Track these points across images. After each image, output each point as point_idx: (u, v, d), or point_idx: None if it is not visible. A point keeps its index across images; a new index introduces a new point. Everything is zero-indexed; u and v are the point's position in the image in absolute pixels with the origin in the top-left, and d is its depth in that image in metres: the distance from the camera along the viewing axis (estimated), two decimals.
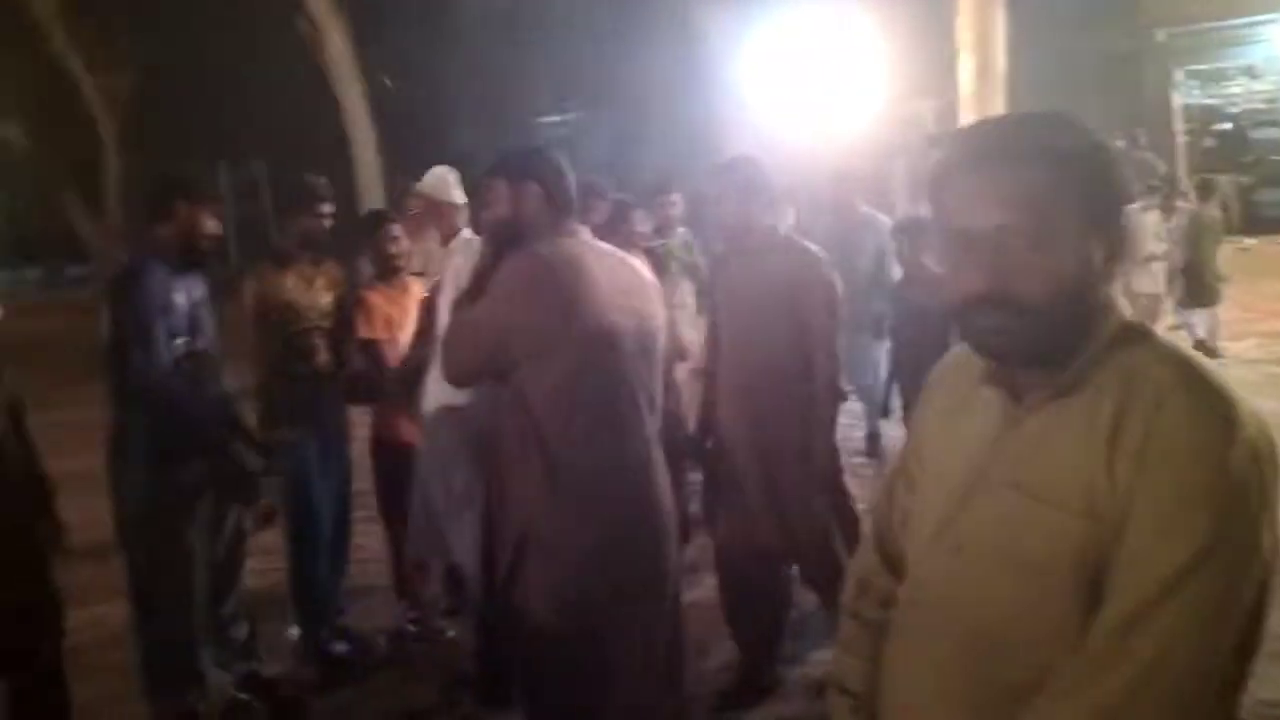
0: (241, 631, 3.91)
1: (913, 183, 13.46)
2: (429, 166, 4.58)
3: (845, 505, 3.91)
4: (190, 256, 3.56)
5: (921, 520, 1.35)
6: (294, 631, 4.23)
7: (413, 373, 4.14)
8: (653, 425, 2.60)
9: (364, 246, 4.36)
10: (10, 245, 25.88)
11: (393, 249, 4.24)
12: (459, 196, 4.10)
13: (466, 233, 3.95)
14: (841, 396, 3.61)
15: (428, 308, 3.89)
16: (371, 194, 17.28)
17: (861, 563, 1.55)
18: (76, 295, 22.59)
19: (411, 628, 4.38)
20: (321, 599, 4.24)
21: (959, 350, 1.44)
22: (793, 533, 3.52)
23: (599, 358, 2.48)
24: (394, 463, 4.16)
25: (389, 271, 4.26)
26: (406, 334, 4.17)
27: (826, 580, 3.53)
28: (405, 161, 22.80)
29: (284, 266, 4.09)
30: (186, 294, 3.56)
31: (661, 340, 2.69)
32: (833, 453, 3.62)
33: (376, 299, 4.20)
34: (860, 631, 1.48)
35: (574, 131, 31.79)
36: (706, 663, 3.79)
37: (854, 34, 12.31)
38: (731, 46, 13.72)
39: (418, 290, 4.32)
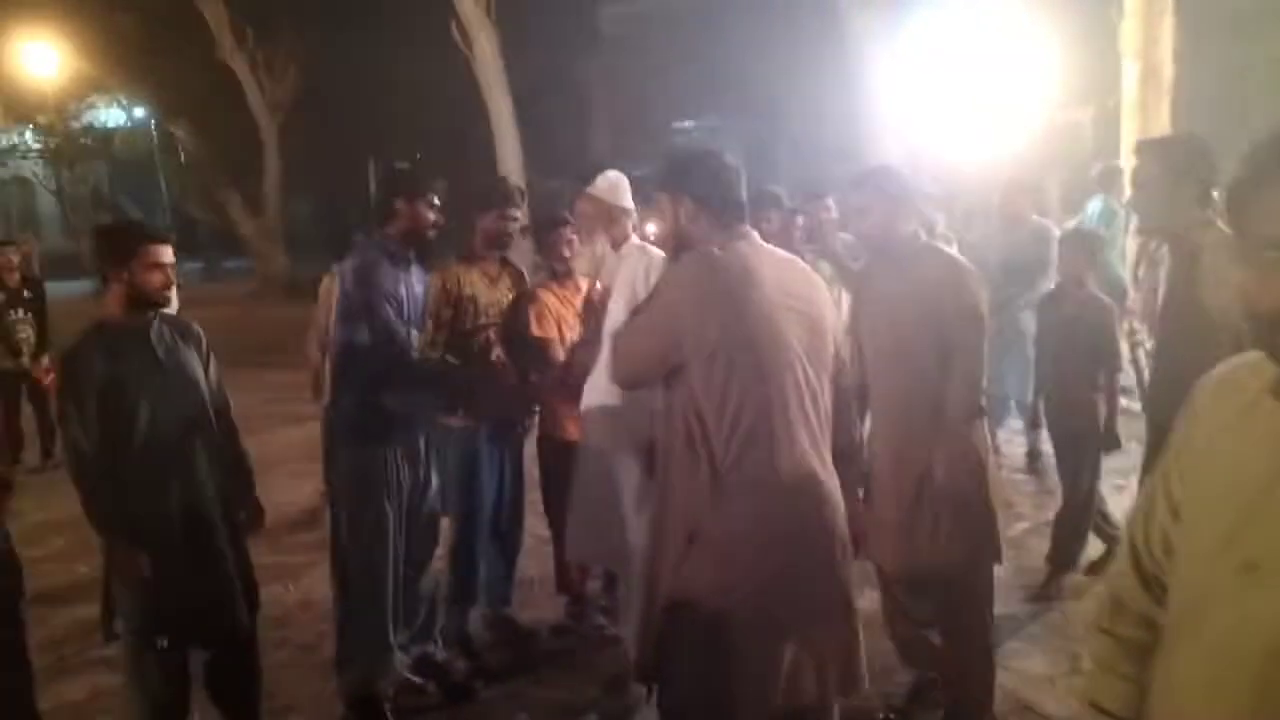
0: (423, 613, 4.03)
1: (1069, 193, 12.99)
2: (567, 171, 4.60)
3: (983, 527, 3.44)
4: (416, 249, 3.80)
5: (1194, 540, 1.30)
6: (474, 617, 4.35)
7: (579, 373, 4.21)
8: (821, 428, 2.59)
9: (540, 247, 4.44)
10: (176, 238, 27.31)
11: (567, 251, 4.31)
12: (629, 201, 3.95)
13: (636, 239, 3.90)
14: (978, 412, 3.36)
15: (591, 311, 3.93)
16: None
17: (1117, 582, 1.50)
18: (234, 288, 23.81)
19: (571, 622, 4.45)
20: (474, 586, 4.33)
21: (1224, 367, 1.38)
22: (929, 553, 3.34)
23: (766, 359, 2.48)
24: (558, 459, 4.22)
25: (563, 273, 4.34)
26: (575, 334, 4.24)
27: (959, 610, 3.42)
28: (545, 166, 23.31)
29: (470, 263, 4.21)
30: (408, 288, 3.78)
31: (831, 345, 2.68)
32: (972, 470, 3.31)
33: (550, 299, 4.27)
34: (1118, 651, 1.44)
35: (711, 137, 31.84)
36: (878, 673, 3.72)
37: (1013, 38, 11.97)
38: (882, 50, 13.46)
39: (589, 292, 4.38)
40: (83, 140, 24.26)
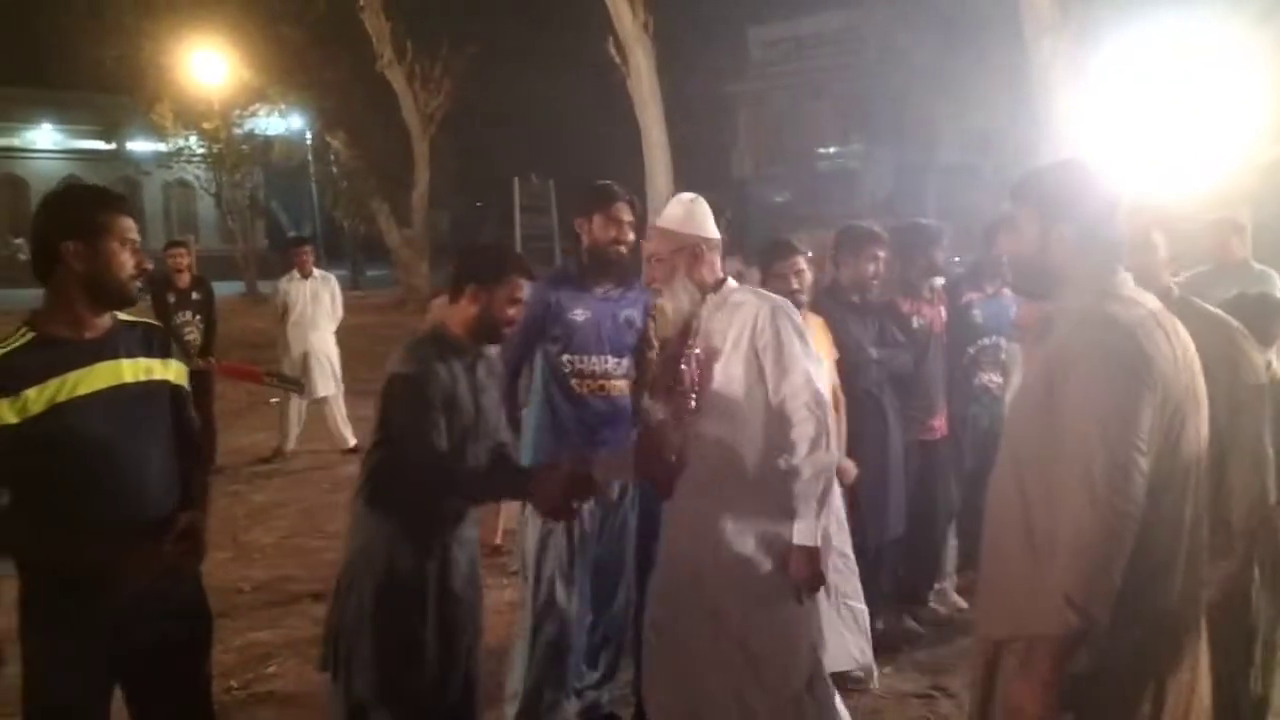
0: (604, 662, 3.77)
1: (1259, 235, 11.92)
2: (711, 193, 4.16)
3: None
4: (603, 264, 3.58)
5: None
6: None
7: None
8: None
9: (766, 277, 3.97)
10: (326, 245, 27.94)
11: (796, 282, 3.84)
12: (713, 229, 3.08)
13: (733, 280, 3.10)
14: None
15: (683, 386, 3.00)
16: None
17: None
18: (377, 296, 24.20)
19: None
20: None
21: None
22: None
23: (1173, 456, 2.05)
24: None
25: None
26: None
27: None
28: (685, 187, 23.03)
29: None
30: (604, 313, 3.62)
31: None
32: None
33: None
34: None
35: (857, 164, 31.09)
36: None
37: (1217, 68, 11.02)
38: (1069, 79, 12.63)
39: (817, 328, 3.89)
40: (243, 147, 25.03)
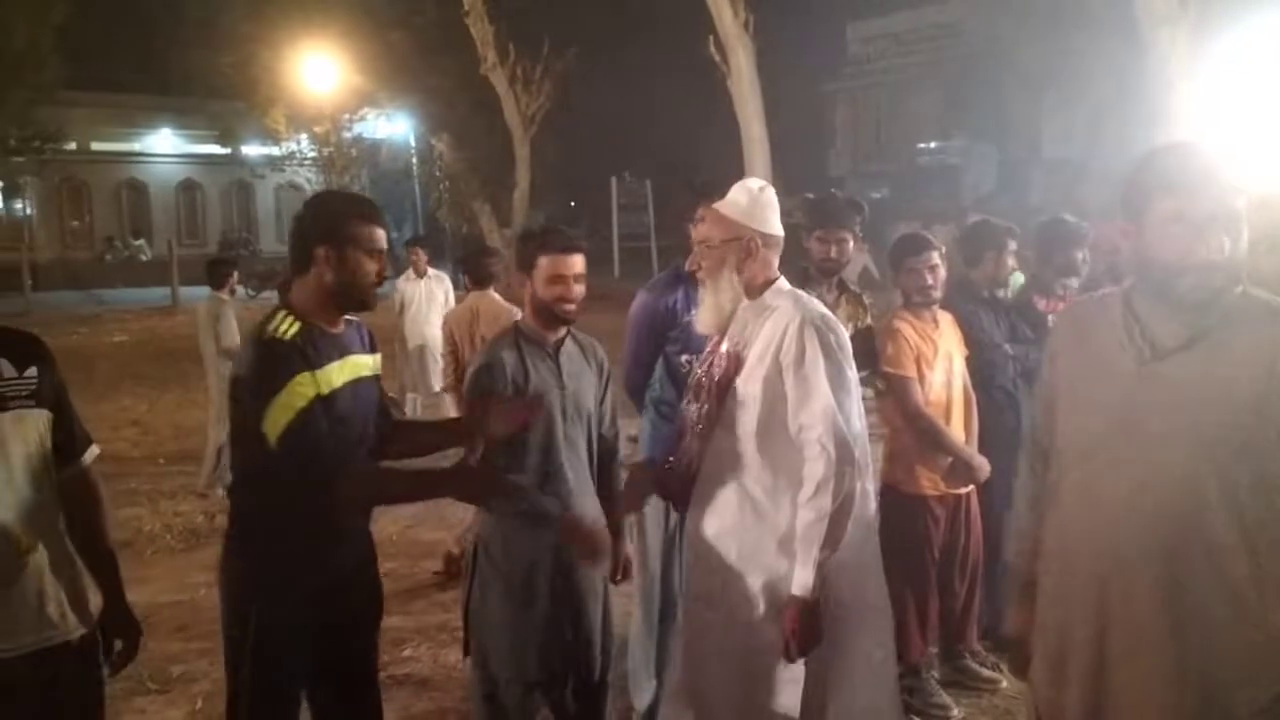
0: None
1: None
2: (809, 190, 4.14)
3: None
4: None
5: None
6: None
7: (928, 417, 3.76)
8: None
9: (897, 272, 4.00)
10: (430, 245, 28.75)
11: (930, 278, 3.85)
12: (777, 225, 2.76)
13: (785, 282, 2.78)
14: None
15: (711, 388, 2.75)
16: None
17: None
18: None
19: (905, 698, 3.96)
20: None
21: None
22: None
23: None
24: (898, 512, 3.78)
25: (923, 301, 3.88)
26: (936, 371, 3.79)
27: None
28: (782, 184, 22.96)
29: (808, 288, 3.84)
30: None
31: None
32: None
33: (907, 330, 3.83)
34: None
35: (958, 159, 30.57)
36: None
37: None
38: (1188, 73, 12.26)
39: (948, 324, 3.91)
40: (351, 151, 25.79)
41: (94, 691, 2.34)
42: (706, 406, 2.68)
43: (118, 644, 2.42)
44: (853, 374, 2.60)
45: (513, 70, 21.23)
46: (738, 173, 17.38)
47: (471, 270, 5.83)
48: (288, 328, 2.43)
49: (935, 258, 3.85)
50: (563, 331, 3.07)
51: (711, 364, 2.71)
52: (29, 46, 23.78)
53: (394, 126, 27.45)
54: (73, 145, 30.12)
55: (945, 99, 31.95)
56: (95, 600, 2.34)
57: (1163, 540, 1.89)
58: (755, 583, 2.56)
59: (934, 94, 32.21)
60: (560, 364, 3.04)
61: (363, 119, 25.53)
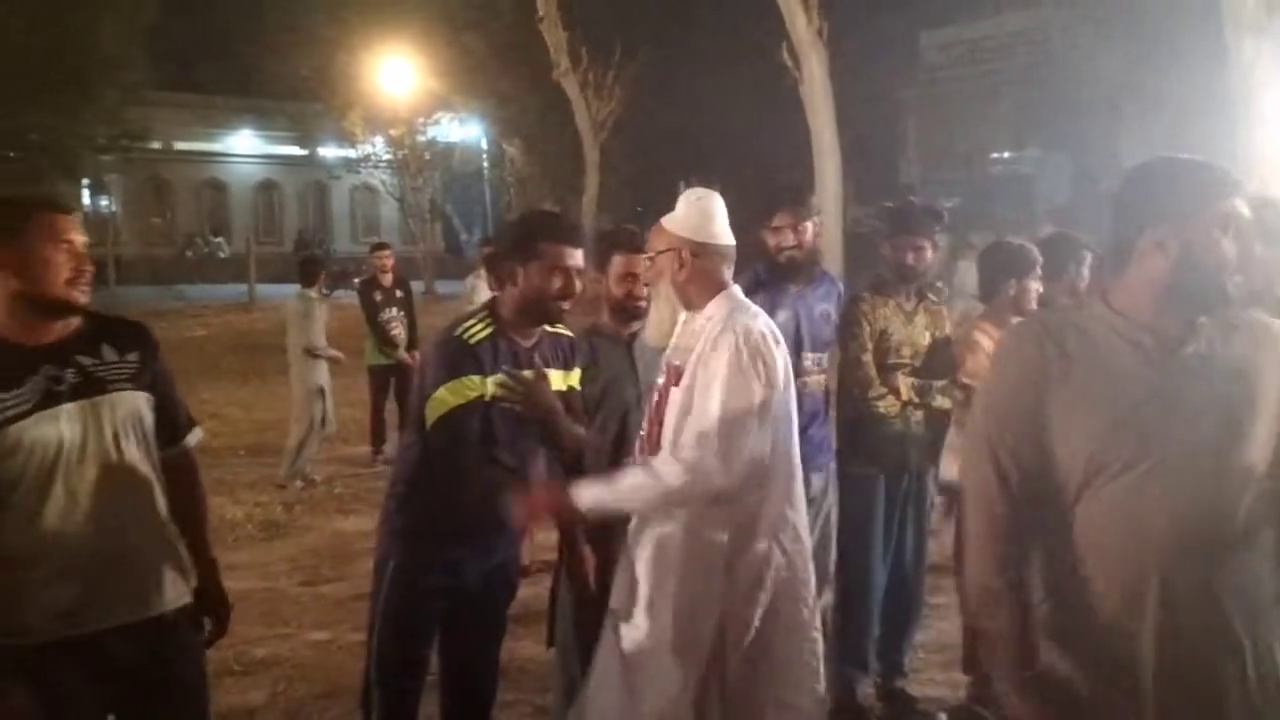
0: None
1: None
2: (879, 199, 4.08)
3: None
4: (783, 270, 3.68)
5: None
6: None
7: None
8: None
9: (984, 286, 3.97)
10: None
11: (1032, 291, 3.82)
12: (724, 235, 2.65)
13: (732, 295, 2.63)
14: None
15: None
16: (831, 222, 17.24)
17: None
18: None
19: (976, 707, 3.95)
20: (865, 650, 3.95)
21: None
22: None
23: None
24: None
25: (1018, 311, 3.84)
26: None
27: None
28: (853, 192, 22.86)
29: (881, 293, 3.87)
30: (798, 310, 3.69)
31: None
32: None
33: (986, 342, 3.80)
34: None
35: (1032, 169, 30.08)
36: None
37: None
38: (1269, 79, 11.96)
39: None
40: (425, 154, 26.25)
41: (197, 662, 2.45)
42: (650, 424, 2.61)
43: (208, 621, 2.52)
44: (767, 390, 2.43)
45: (584, 76, 21.44)
46: (808, 180, 17.35)
47: (496, 269, 5.87)
48: (476, 333, 2.64)
49: (1038, 270, 3.82)
50: (636, 327, 3.13)
51: (662, 378, 2.63)
52: (119, 48, 24.58)
53: (467, 130, 27.87)
54: (157, 144, 31.03)
55: (1020, 107, 31.47)
56: (192, 577, 2.45)
57: (1219, 525, 1.86)
58: (646, 596, 2.48)
59: (1008, 102, 31.75)
60: (634, 358, 3.11)
61: (437, 123, 25.97)
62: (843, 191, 18.00)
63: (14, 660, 2.12)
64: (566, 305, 2.68)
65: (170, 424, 2.43)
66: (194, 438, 2.54)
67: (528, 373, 2.70)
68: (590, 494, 2.48)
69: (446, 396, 2.55)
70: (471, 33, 23.03)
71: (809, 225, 3.68)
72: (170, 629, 2.33)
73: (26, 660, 2.12)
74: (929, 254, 3.92)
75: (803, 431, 3.64)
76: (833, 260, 17.10)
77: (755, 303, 3.54)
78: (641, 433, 2.69)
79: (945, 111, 33.51)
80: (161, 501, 2.35)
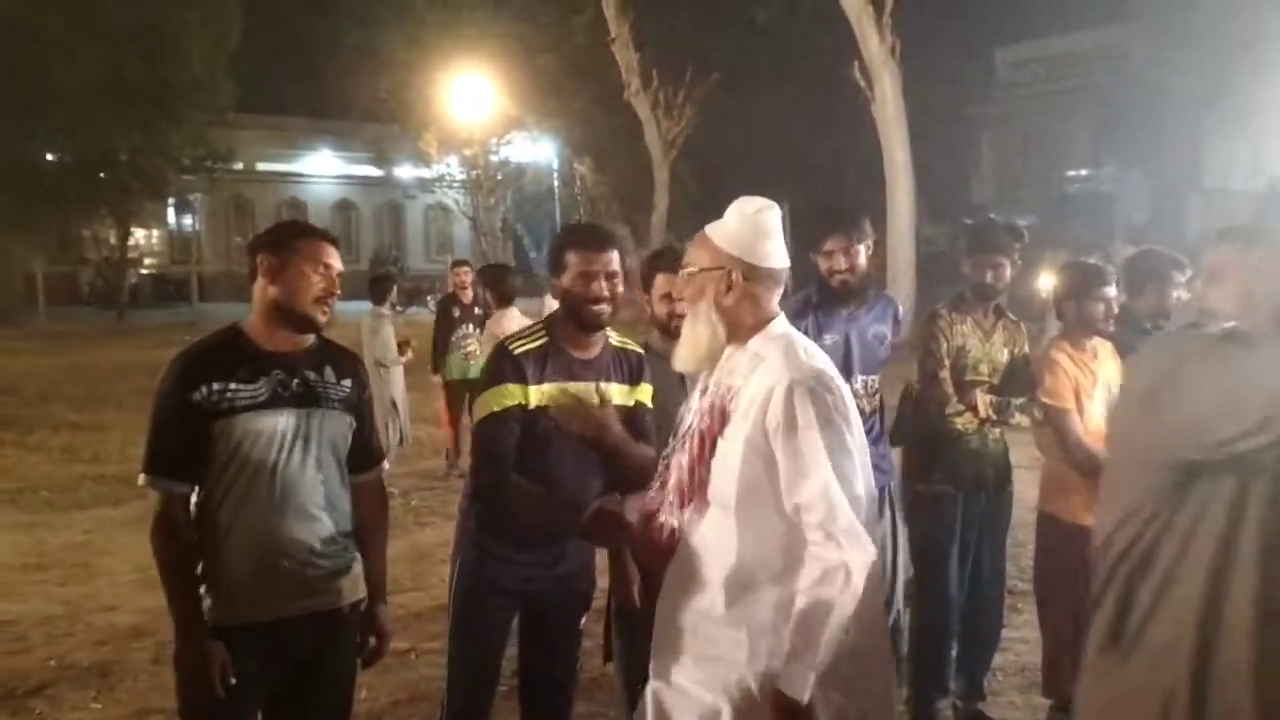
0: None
1: None
2: (952, 216, 4.03)
3: None
4: (835, 294, 3.65)
5: None
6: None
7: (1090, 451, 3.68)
8: None
9: (1060, 307, 3.93)
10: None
11: (1107, 309, 3.78)
12: (777, 256, 2.29)
13: (777, 326, 2.30)
14: None
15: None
16: (903, 241, 17.12)
17: None
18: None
19: None
20: (944, 673, 3.92)
21: None
22: None
23: None
24: (1058, 542, 3.72)
25: (1080, 334, 3.81)
26: (1094, 402, 3.72)
27: None
28: (925, 210, 22.65)
29: (960, 310, 3.86)
30: (848, 333, 3.66)
31: None
32: None
33: (1065, 361, 3.77)
34: None
35: (1110, 186, 29.48)
36: None
37: None
38: None
39: (1107, 354, 3.84)
40: (497, 174, 26.66)
41: (353, 656, 2.64)
42: (689, 467, 2.26)
43: (371, 640, 2.67)
44: (854, 435, 2.18)
45: (655, 96, 21.61)
46: (879, 198, 17.26)
47: (494, 286, 5.87)
48: (525, 344, 2.71)
49: (1114, 290, 3.78)
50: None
51: (699, 415, 2.28)
52: (205, 72, 25.43)
53: (538, 150, 28.23)
54: (239, 165, 31.94)
55: (1097, 125, 30.92)
56: (362, 586, 2.63)
57: None
58: (716, 675, 2.16)
59: (1085, 119, 31.21)
60: (685, 376, 3.12)
61: (509, 143, 26.35)
62: (915, 210, 17.93)
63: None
64: (604, 309, 2.70)
65: (364, 450, 2.62)
66: (382, 468, 2.74)
67: (579, 386, 2.72)
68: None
69: (489, 401, 2.65)
70: (545, 53, 23.37)
71: (861, 249, 3.66)
72: (341, 622, 2.52)
73: (220, 640, 2.33)
74: (1008, 272, 3.90)
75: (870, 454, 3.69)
76: (905, 279, 17.03)
77: (802, 325, 3.46)
78: (670, 478, 2.30)
79: (1020, 128, 33.03)
80: (348, 510, 2.56)
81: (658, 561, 2.32)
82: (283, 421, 2.38)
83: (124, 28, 22.91)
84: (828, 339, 3.58)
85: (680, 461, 2.28)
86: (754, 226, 2.22)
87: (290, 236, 2.47)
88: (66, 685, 4.20)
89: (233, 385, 2.34)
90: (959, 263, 4.00)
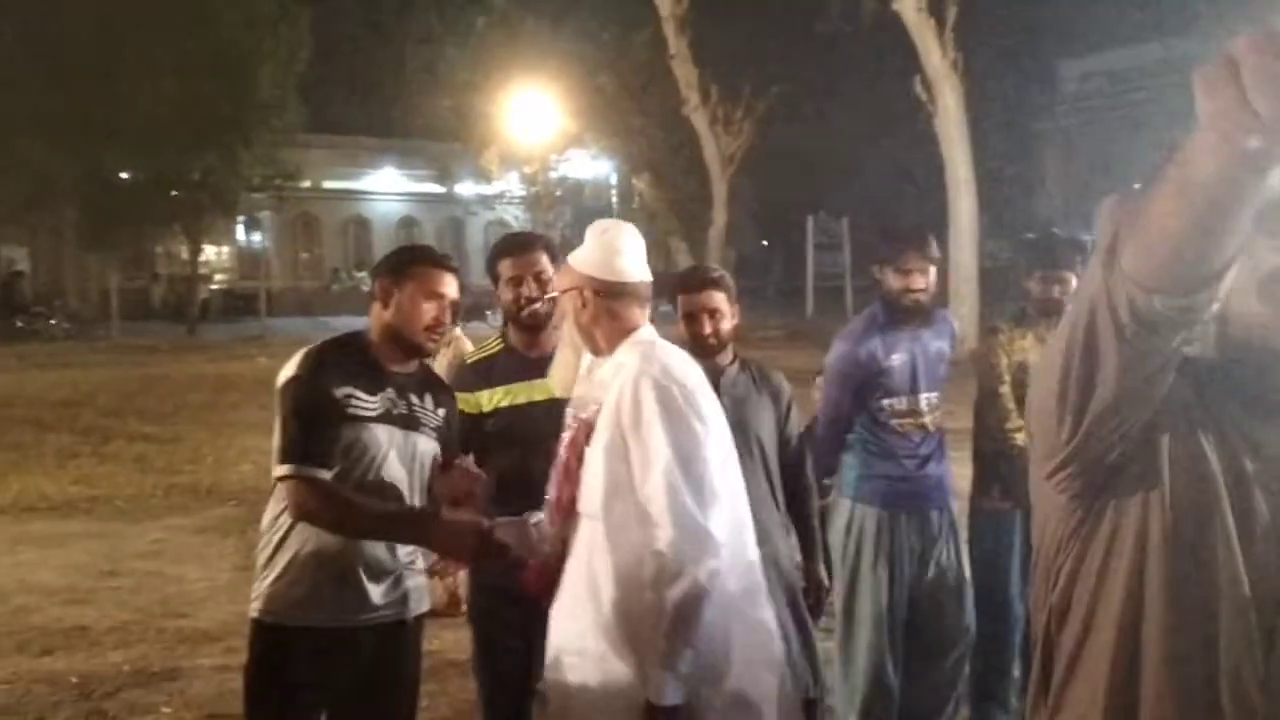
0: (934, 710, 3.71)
1: None
2: (1015, 231, 3.95)
3: None
4: (900, 313, 3.59)
5: None
6: None
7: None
8: None
9: None
10: None
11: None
12: (634, 269, 2.33)
13: (642, 335, 2.29)
14: None
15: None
16: (965, 256, 16.92)
17: None
18: (665, 332, 25.10)
19: None
20: (1006, 690, 3.88)
21: None
22: None
23: None
24: None
25: None
26: None
27: None
28: (990, 226, 22.37)
29: (1024, 327, 3.83)
30: (913, 350, 3.60)
31: None
32: None
33: None
34: None
35: None
36: None
37: None
38: None
39: None
40: (557, 190, 26.92)
41: (416, 667, 2.72)
42: (559, 483, 2.28)
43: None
44: (709, 429, 2.15)
45: (713, 111, 21.65)
46: (940, 213, 17.09)
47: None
48: (481, 353, 3.03)
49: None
50: (725, 361, 3.12)
51: (570, 431, 2.30)
52: (275, 93, 26.08)
53: (597, 166, 28.46)
54: (307, 183, 32.59)
55: (1165, 138, 30.35)
56: (427, 598, 2.72)
57: None
58: (584, 676, 2.16)
59: (1153, 133, 30.63)
60: (720, 393, 3.10)
61: (568, 159, 26.60)
62: (978, 224, 17.72)
63: (276, 643, 2.41)
64: (537, 307, 2.85)
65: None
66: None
67: (524, 384, 2.86)
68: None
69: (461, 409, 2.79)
70: (605, 70, 23.57)
71: (933, 268, 3.65)
72: (405, 634, 2.58)
73: (288, 644, 2.40)
74: (1071, 286, 3.86)
75: (920, 468, 3.64)
76: (969, 293, 16.83)
77: (870, 345, 3.54)
78: (548, 496, 2.32)
79: (1085, 143, 32.54)
80: None
81: (545, 591, 2.29)
82: (386, 437, 2.43)
83: (199, 54, 23.59)
84: (896, 359, 3.55)
85: (554, 480, 2.30)
86: (605, 245, 2.29)
87: (407, 263, 2.50)
88: (139, 690, 4.33)
89: (359, 394, 2.40)
90: (1021, 278, 3.97)
